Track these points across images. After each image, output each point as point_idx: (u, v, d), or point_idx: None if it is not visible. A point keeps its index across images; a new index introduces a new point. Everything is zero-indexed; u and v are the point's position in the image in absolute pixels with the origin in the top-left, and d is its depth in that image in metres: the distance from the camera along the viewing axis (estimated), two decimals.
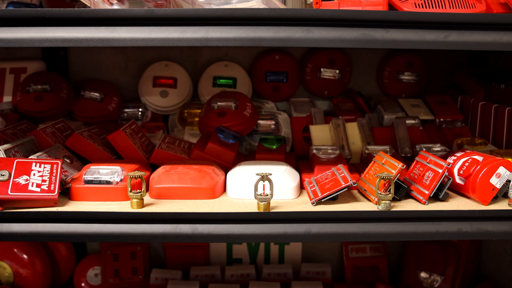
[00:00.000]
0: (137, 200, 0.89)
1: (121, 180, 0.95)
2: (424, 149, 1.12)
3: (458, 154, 1.00)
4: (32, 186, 0.88)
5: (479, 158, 0.94)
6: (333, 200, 0.94)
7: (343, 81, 1.48)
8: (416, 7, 0.89)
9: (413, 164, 0.99)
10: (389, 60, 1.48)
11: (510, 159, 0.96)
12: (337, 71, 1.46)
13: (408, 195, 0.96)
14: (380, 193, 0.88)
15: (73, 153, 1.09)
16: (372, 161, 1.00)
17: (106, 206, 0.91)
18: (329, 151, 1.11)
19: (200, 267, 1.47)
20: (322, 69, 1.45)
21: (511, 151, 1.10)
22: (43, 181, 0.89)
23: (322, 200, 0.91)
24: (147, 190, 0.98)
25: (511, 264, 1.37)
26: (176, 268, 1.47)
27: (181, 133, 1.36)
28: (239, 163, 1.05)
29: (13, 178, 0.88)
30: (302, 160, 1.20)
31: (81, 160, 1.09)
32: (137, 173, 0.89)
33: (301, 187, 1.01)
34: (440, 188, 0.93)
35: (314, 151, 1.12)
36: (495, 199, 0.94)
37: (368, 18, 0.82)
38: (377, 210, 0.89)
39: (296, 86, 1.48)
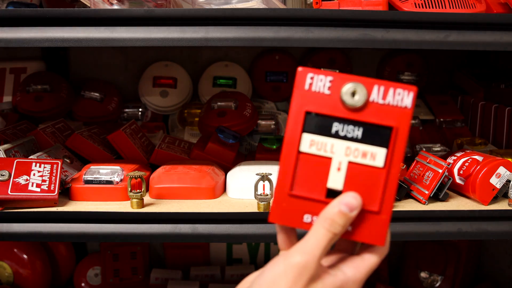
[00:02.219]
0: (137, 200, 0.89)
1: (121, 180, 0.95)
2: (424, 149, 1.12)
3: (458, 154, 1.00)
4: (32, 186, 0.88)
5: (479, 158, 0.94)
6: None
7: None
8: (416, 7, 0.89)
9: (413, 164, 0.99)
10: (389, 60, 1.48)
11: (510, 159, 0.96)
12: (337, 71, 1.46)
13: (408, 195, 0.96)
14: None
15: (73, 153, 1.09)
16: None
17: (106, 206, 0.91)
18: None
19: (200, 267, 1.47)
20: (322, 69, 1.45)
21: (511, 151, 1.10)
22: (43, 181, 0.89)
23: None
24: (147, 190, 0.98)
25: (511, 264, 1.37)
26: (176, 268, 1.47)
27: (181, 133, 1.35)
28: (239, 163, 1.05)
29: (13, 178, 0.88)
30: None
31: (81, 160, 1.09)
32: (137, 173, 0.89)
33: None
34: (440, 188, 0.93)
35: None
36: (495, 199, 0.94)
37: (368, 18, 0.82)
38: None
39: None
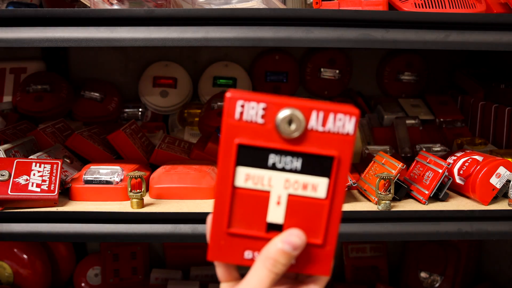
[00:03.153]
0: (137, 200, 0.89)
1: (121, 180, 0.95)
2: (424, 149, 1.12)
3: (458, 154, 1.00)
4: (32, 186, 0.88)
5: (479, 158, 0.94)
6: None
7: (343, 81, 1.48)
8: (416, 7, 0.89)
9: (413, 164, 0.99)
10: (389, 60, 1.48)
11: (510, 159, 0.96)
12: (337, 71, 1.46)
13: (408, 195, 0.96)
14: (380, 193, 0.88)
15: (73, 153, 1.09)
16: (372, 161, 1.00)
17: (106, 206, 0.91)
18: None
19: (200, 267, 1.47)
20: (322, 69, 1.45)
21: (511, 151, 1.10)
22: (43, 181, 0.89)
23: None
24: (147, 190, 0.98)
25: (511, 264, 1.37)
26: (176, 268, 1.47)
27: (181, 133, 1.36)
28: None
29: (13, 178, 0.88)
30: None
31: (81, 160, 1.09)
32: (137, 173, 0.89)
33: None
34: (440, 188, 0.93)
35: None
36: (495, 199, 0.94)
37: (368, 18, 0.82)
38: (377, 210, 0.89)
39: (296, 86, 1.48)
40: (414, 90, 1.49)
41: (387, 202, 0.88)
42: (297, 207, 0.44)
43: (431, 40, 0.83)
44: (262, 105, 0.42)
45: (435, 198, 0.94)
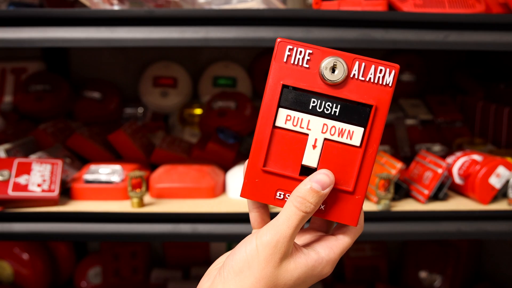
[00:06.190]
0: (137, 199, 0.89)
1: (121, 180, 0.95)
2: (424, 149, 1.12)
3: (458, 154, 1.00)
4: (32, 186, 0.88)
5: (479, 158, 0.95)
6: None
7: None
8: (416, 7, 0.89)
9: (413, 164, 0.99)
10: (388, 60, 1.48)
11: (509, 159, 0.96)
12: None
13: (407, 195, 0.97)
14: (380, 193, 0.89)
15: (73, 153, 1.09)
16: None
17: (107, 206, 0.91)
18: None
19: (200, 267, 1.47)
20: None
21: (511, 151, 1.10)
22: (44, 180, 0.89)
23: None
24: (147, 189, 0.98)
25: (511, 264, 1.37)
26: (176, 268, 1.47)
27: (181, 133, 1.36)
28: (239, 163, 1.06)
29: (14, 178, 0.88)
30: None
31: (81, 160, 1.09)
32: (137, 173, 0.90)
33: None
34: (439, 188, 0.93)
35: None
36: (495, 199, 0.94)
37: (368, 18, 0.82)
38: (377, 210, 0.89)
39: None
40: (413, 90, 1.49)
41: (387, 202, 0.89)
42: (332, 152, 0.45)
43: (430, 40, 0.83)
44: (309, 51, 0.45)
45: (434, 198, 0.94)
